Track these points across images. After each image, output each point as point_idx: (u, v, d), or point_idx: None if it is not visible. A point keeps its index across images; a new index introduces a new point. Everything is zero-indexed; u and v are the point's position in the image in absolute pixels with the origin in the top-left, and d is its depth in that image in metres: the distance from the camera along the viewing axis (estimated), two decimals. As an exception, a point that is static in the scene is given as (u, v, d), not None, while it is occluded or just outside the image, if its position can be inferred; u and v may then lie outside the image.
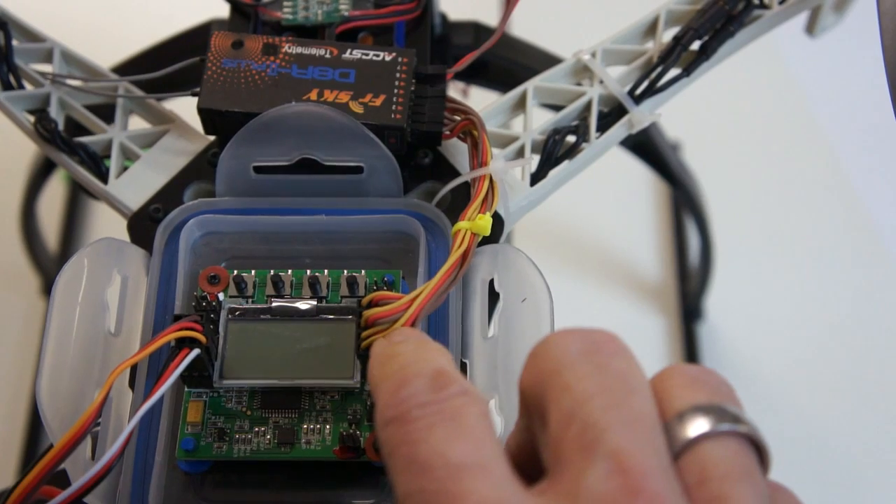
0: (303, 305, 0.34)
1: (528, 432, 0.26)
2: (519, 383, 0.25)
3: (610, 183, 0.77)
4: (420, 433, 0.24)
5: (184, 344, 0.32)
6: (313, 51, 0.38)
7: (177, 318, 0.32)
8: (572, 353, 0.24)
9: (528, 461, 0.25)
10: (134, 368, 0.34)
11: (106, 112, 0.40)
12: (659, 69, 0.40)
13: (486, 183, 0.36)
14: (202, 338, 0.32)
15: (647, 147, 0.60)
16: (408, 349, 0.27)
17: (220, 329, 0.34)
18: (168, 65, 0.39)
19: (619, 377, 0.24)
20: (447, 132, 0.38)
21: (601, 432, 0.23)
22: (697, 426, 0.24)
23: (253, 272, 0.35)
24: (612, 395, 0.23)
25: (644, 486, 0.22)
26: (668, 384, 0.25)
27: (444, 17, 0.50)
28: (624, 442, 0.22)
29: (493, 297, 0.35)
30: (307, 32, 0.41)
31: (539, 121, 0.40)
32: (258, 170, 0.37)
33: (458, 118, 0.38)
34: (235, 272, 0.35)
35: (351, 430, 0.33)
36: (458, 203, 0.37)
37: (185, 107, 0.39)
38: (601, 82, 0.40)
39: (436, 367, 0.25)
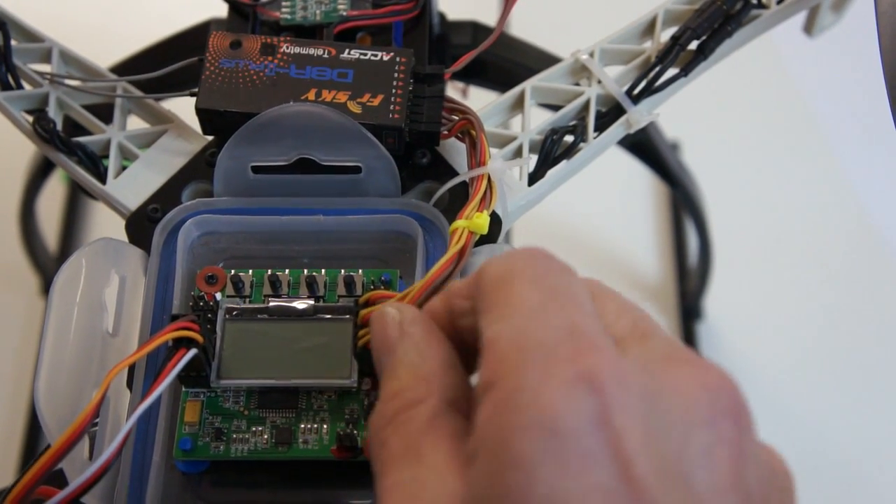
0: (300, 305, 0.34)
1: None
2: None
3: (608, 183, 0.77)
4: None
5: (181, 344, 0.32)
6: (311, 51, 0.38)
7: (174, 317, 0.32)
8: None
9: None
10: (132, 368, 0.34)
11: (104, 112, 0.40)
12: (657, 69, 0.40)
13: (484, 182, 0.36)
14: (199, 337, 0.32)
15: (645, 147, 0.60)
16: (409, 350, 0.27)
17: (218, 329, 0.34)
18: (166, 65, 0.40)
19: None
20: (445, 132, 0.38)
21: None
22: None
23: (250, 272, 0.35)
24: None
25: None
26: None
27: (442, 17, 0.50)
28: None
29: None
30: (305, 32, 0.41)
31: (537, 120, 0.40)
32: (256, 170, 0.37)
33: (456, 118, 0.38)
34: (233, 272, 0.35)
35: (348, 430, 0.33)
36: (456, 203, 0.37)
37: (183, 107, 0.39)
38: (599, 82, 0.40)
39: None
